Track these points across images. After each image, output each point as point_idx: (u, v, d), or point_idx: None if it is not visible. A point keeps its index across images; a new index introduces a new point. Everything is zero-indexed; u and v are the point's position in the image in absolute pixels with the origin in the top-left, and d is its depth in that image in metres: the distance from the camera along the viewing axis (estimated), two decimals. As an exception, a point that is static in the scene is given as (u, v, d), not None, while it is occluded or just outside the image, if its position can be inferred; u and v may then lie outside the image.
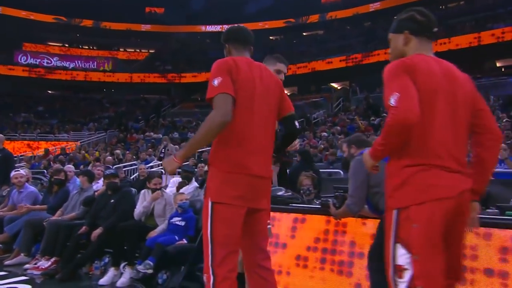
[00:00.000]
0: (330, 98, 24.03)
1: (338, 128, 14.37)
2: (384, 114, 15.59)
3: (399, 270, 1.74)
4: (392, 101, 1.67)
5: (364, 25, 31.20)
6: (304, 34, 33.72)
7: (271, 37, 34.84)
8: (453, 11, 28.24)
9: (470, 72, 21.91)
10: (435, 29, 1.95)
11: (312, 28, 32.88)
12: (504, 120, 10.87)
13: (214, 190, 2.07)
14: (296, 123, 2.44)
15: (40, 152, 16.75)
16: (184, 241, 4.14)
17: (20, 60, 27.85)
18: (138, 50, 34.28)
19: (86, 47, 33.35)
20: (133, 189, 5.44)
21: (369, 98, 20.05)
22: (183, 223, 4.23)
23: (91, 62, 29.32)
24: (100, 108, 28.18)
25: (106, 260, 4.49)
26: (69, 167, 6.55)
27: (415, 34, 1.89)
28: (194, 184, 5.65)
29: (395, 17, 2.05)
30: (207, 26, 33.57)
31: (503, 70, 22.72)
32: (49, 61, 28.68)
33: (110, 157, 10.41)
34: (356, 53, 25.80)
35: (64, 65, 28.79)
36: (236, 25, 2.48)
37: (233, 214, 2.03)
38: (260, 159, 2.13)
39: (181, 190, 5.37)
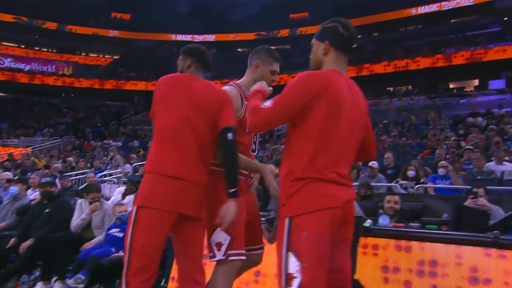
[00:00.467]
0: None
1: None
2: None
3: (289, 279, 1.78)
4: (269, 103, 1.84)
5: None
6: (272, 47, 34.14)
7: (239, 49, 35.25)
8: (412, 34, 29.62)
9: (427, 91, 23.60)
10: (354, 46, 1.97)
11: (281, 42, 33.36)
12: (452, 139, 11.36)
13: (140, 195, 2.12)
14: (229, 136, 2.35)
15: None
16: (121, 253, 3.91)
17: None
18: (101, 56, 33.59)
19: (45, 50, 32.25)
20: (78, 199, 5.23)
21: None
22: (121, 235, 4.06)
23: (49, 65, 28.29)
24: (56, 113, 27.22)
25: (37, 274, 4.27)
26: (6, 174, 6.24)
27: (334, 46, 1.92)
28: None
29: (323, 23, 2.04)
30: (178, 35, 33.51)
31: (454, 91, 23.98)
32: (2, 62, 27.40)
33: (59, 165, 9.95)
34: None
35: (19, 67, 27.61)
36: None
37: (157, 220, 2.04)
38: (189, 164, 2.14)
39: (125, 199, 5.25)
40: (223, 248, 2.26)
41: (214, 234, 2.25)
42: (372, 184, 7.02)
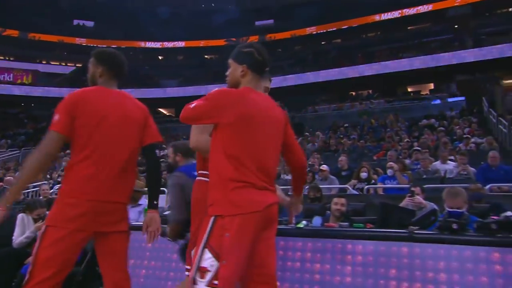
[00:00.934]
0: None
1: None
2: (307, 134, 16.47)
3: (202, 271, 1.91)
4: (194, 104, 2.03)
5: (295, 48, 32.68)
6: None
7: (206, 56, 35.21)
8: (372, 40, 30.48)
9: (386, 95, 24.27)
10: (267, 69, 2.18)
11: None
12: (405, 141, 11.79)
13: (51, 215, 2.16)
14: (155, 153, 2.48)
15: None
16: None
17: None
18: (63, 64, 32.68)
19: (1, 58, 31.01)
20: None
21: (295, 117, 20.95)
22: None
23: (6, 74, 27.30)
24: (16, 124, 26.16)
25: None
26: None
27: (251, 69, 2.11)
28: None
29: (239, 46, 2.22)
30: (147, 42, 33.13)
31: (412, 95, 24.87)
32: None
33: (11, 178, 9.59)
34: (284, 74, 26.87)
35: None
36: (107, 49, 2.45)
37: (63, 237, 2.04)
38: (105, 184, 2.17)
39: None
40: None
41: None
42: (325, 186, 7.25)
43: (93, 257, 4.06)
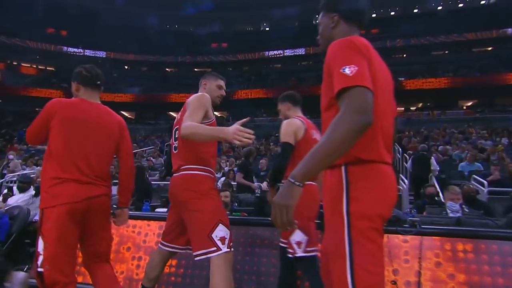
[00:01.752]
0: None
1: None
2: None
3: (37, 256, 1.96)
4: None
5: (243, 69, 33.02)
6: (195, 70, 34.02)
7: (167, 69, 34.52)
8: (304, 67, 31.37)
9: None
10: (98, 82, 2.22)
11: (202, 65, 33.30)
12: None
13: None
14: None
15: None
16: None
17: None
18: (34, 66, 30.58)
19: None
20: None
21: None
22: None
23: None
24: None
25: None
26: None
27: (81, 84, 2.17)
28: (31, 192, 5.24)
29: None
30: (113, 53, 31.78)
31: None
32: None
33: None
34: (233, 89, 27.10)
35: None
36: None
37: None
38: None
39: (16, 198, 5.01)
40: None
41: (217, 230, 2.06)
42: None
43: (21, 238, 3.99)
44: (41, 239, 1.93)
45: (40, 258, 1.91)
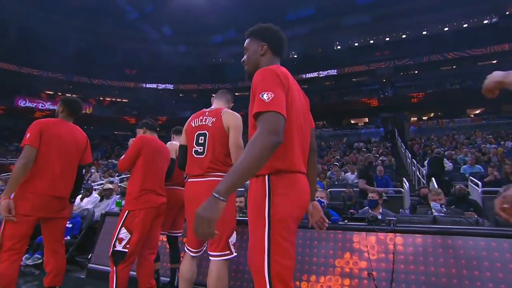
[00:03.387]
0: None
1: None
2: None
3: (119, 239, 2.31)
4: None
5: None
6: (236, 94, 34.45)
7: (212, 95, 35.45)
8: (329, 87, 30.81)
9: (334, 125, 24.80)
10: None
11: (242, 90, 33.78)
12: (336, 157, 12.00)
13: None
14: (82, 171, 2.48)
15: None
16: (68, 237, 4.11)
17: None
18: (114, 99, 33.01)
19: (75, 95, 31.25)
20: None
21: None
22: (70, 225, 4.22)
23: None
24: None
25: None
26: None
27: (148, 129, 2.75)
28: (94, 197, 5.44)
29: None
30: (171, 85, 33.42)
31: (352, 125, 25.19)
32: (43, 105, 26.94)
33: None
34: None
35: (55, 108, 27.02)
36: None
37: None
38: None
39: (85, 200, 5.35)
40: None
41: (232, 236, 1.99)
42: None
43: (88, 233, 4.32)
44: (125, 230, 2.33)
45: (123, 242, 2.29)
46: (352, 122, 26.70)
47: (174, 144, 2.96)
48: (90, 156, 2.54)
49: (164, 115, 28.46)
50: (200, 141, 2.07)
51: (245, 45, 1.49)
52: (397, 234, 2.40)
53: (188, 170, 2.10)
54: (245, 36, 1.49)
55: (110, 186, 5.36)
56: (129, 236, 2.34)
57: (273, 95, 1.16)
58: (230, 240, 1.94)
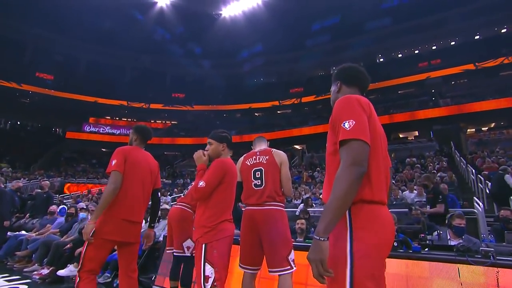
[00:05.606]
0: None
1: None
2: (318, 168, 16.25)
3: (206, 278, 2.08)
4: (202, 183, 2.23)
5: (317, 107, 32.67)
6: (278, 112, 34.70)
7: (255, 114, 36.23)
8: (372, 100, 29.64)
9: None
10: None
11: (283, 108, 34.01)
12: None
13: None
14: (158, 195, 2.63)
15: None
16: None
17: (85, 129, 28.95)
18: (163, 122, 35.12)
19: (129, 120, 33.73)
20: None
21: (314, 156, 20.74)
22: None
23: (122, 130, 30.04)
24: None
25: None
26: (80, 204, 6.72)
27: (227, 145, 2.48)
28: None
29: None
30: (211, 106, 34.86)
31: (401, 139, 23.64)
32: (104, 129, 29.70)
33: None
34: (309, 125, 26.86)
35: (113, 131, 29.73)
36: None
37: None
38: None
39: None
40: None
41: (291, 253, 2.29)
42: (322, 209, 7.13)
43: (150, 253, 4.42)
44: (208, 264, 2.09)
45: (211, 280, 2.06)
46: (401, 136, 25.13)
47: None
48: (160, 181, 2.62)
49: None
50: (257, 176, 2.40)
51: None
52: (499, 268, 2.05)
53: (246, 200, 2.41)
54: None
55: (167, 206, 5.51)
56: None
57: (355, 122, 1.15)
58: (289, 257, 2.22)
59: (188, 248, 2.87)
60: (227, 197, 2.23)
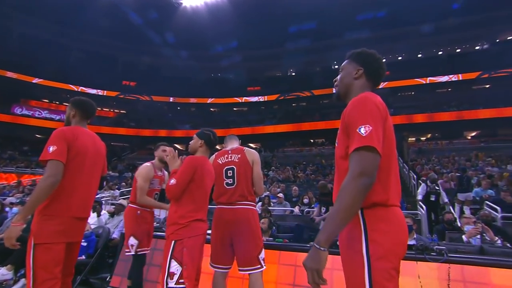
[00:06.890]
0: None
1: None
2: (273, 168, 16.55)
3: (171, 275, 2.01)
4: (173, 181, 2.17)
5: (274, 107, 33.35)
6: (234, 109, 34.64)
7: (211, 109, 35.67)
8: (327, 105, 31.18)
9: (333, 143, 24.67)
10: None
11: (240, 105, 34.03)
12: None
13: None
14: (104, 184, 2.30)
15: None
16: (83, 257, 3.94)
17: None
18: (112, 110, 32.76)
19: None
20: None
21: (269, 155, 21.09)
22: (85, 244, 4.04)
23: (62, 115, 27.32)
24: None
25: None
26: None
27: (207, 145, 2.35)
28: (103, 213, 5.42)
29: None
30: (170, 98, 33.50)
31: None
32: (40, 113, 26.62)
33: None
34: (266, 124, 27.31)
35: (52, 116, 26.92)
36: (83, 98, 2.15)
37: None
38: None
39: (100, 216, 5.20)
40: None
41: (262, 252, 2.31)
42: (280, 208, 7.31)
43: (103, 252, 4.13)
44: (174, 261, 2.03)
45: (175, 278, 1.99)
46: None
47: None
48: (106, 167, 2.22)
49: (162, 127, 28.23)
50: (229, 175, 2.39)
51: (342, 65, 1.43)
52: (450, 264, 2.32)
53: (217, 199, 2.40)
54: (345, 57, 1.43)
55: (124, 202, 5.19)
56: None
57: (371, 128, 1.12)
58: (260, 256, 2.26)
59: (132, 246, 2.77)
60: (201, 196, 2.16)
